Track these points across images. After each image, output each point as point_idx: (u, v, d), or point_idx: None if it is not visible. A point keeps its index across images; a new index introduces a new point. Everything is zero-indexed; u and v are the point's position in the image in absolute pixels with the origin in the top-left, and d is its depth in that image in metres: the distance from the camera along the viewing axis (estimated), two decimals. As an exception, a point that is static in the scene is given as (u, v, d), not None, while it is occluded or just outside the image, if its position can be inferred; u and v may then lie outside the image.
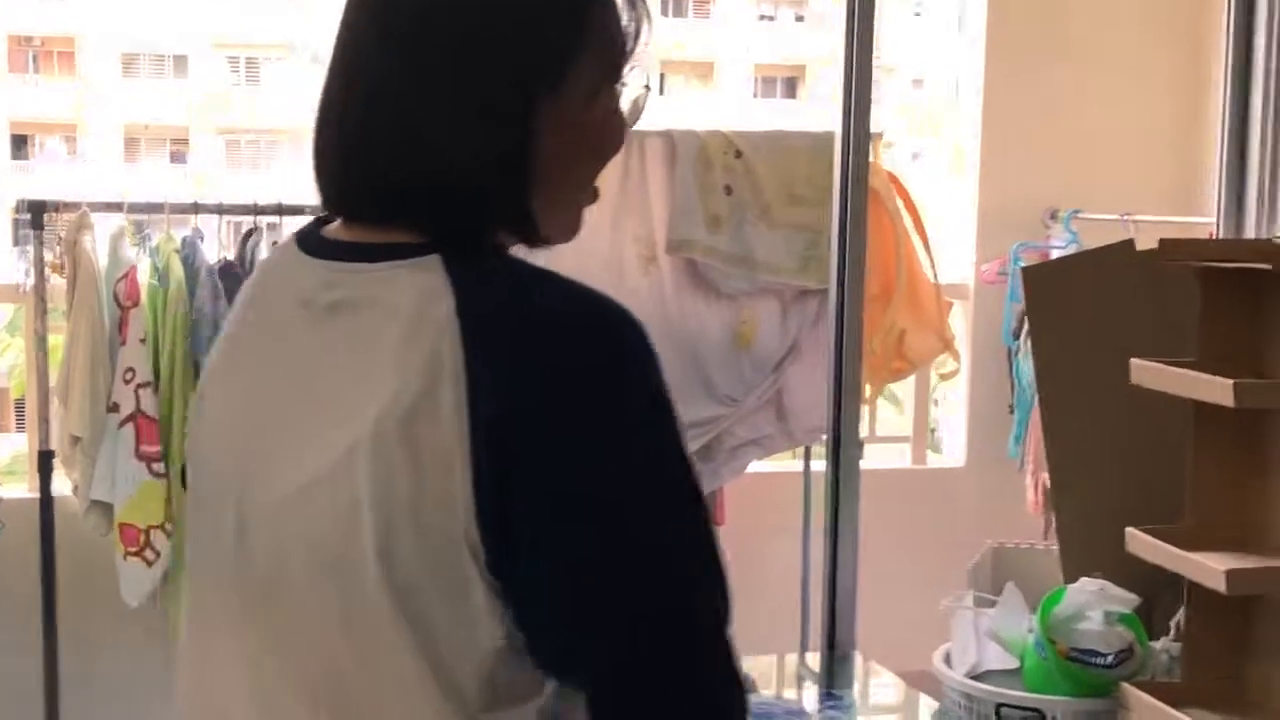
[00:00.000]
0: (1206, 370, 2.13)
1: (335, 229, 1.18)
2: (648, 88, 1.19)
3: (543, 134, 1.10)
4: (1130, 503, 2.34)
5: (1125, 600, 2.25)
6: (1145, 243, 2.44)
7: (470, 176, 1.10)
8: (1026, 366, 4.11)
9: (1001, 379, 4.49)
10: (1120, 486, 2.42)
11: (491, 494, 1.02)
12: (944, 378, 4.64)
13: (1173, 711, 2.13)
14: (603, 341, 1.05)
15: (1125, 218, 4.21)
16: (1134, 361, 2.24)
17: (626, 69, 1.16)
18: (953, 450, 4.93)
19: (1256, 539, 2.14)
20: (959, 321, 4.64)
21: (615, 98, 1.16)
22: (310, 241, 1.19)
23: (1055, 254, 4.25)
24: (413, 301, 1.07)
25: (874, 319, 3.63)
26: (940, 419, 5.30)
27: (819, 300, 3.75)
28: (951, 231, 4.86)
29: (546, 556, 1.03)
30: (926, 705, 2.45)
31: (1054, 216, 4.49)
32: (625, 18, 1.15)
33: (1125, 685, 2.18)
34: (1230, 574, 2.00)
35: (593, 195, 1.18)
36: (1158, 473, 2.30)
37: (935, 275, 4.05)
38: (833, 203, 2.70)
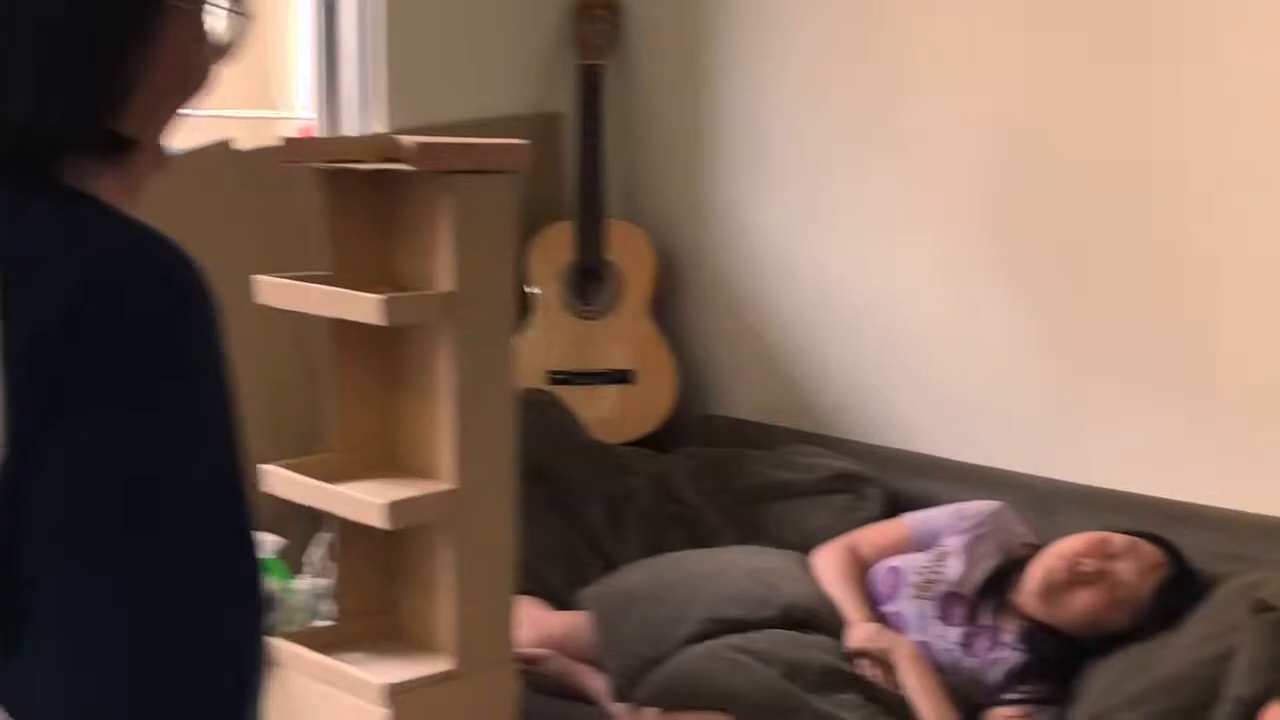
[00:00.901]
0: (341, 284, 1.94)
1: None
2: (247, 16, 0.96)
3: (151, 51, 0.90)
4: (268, 436, 2.12)
5: (264, 544, 2.04)
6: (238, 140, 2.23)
7: (51, 81, 0.87)
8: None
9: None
10: (255, 419, 2.18)
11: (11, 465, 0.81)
12: None
13: (324, 659, 1.95)
14: (180, 291, 0.85)
15: (205, 113, 3.95)
16: (259, 278, 2.01)
17: None
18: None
19: (401, 462, 1.99)
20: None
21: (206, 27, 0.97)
22: None
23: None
24: None
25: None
26: None
27: None
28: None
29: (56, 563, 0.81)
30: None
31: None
32: None
33: (274, 639, 1.98)
34: (390, 507, 1.83)
35: (158, 159, 0.96)
36: (295, 399, 2.10)
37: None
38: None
